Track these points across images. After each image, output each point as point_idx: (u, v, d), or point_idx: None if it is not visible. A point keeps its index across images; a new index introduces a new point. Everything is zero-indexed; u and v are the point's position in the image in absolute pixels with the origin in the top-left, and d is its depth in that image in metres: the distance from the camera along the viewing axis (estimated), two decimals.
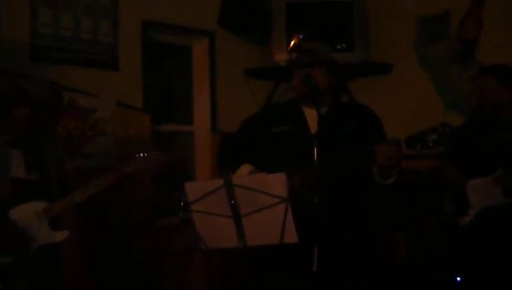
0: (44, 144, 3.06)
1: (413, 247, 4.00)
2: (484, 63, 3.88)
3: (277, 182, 2.27)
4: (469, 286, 3.27)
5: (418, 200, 4.09)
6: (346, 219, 2.67)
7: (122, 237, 3.97)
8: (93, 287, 3.79)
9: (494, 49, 4.05)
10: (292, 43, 4.60)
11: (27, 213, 2.78)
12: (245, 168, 2.66)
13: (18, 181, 2.84)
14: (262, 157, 2.68)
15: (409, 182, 3.61)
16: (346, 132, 2.68)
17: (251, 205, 2.30)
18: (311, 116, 2.68)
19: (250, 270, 2.59)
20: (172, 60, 4.78)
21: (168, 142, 4.64)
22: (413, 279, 3.78)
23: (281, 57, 4.56)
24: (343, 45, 4.65)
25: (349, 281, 2.62)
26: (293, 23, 4.62)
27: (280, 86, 4.73)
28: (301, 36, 4.63)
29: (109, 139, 4.03)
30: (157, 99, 4.54)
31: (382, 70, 4.77)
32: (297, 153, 2.61)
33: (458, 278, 3.34)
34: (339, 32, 4.64)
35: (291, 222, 2.29)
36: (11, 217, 2.78)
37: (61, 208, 2.84)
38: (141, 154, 2.96)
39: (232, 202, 2.29)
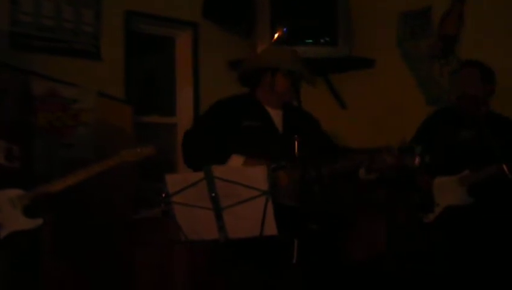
0: (29, 135, 3.05)
1: (392, 241, 4.04)
2: (464, 59, 3.92)
3: (258, 175, 2.29)
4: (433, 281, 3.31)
5: (397, 195, 4.14)
6: (330, 213, 2.71)
7: (103, 227, 3.95)
8: (72, 277, 3.77)
9: (475, 46, 4.09)
10: (276, 35, 4.61)
11: (1, 199, 2.78)
12: (236, 159, 2.67)
13: None
14: (233, 150, 2.71)
15: (390, 178, 3.66)
16: (304, 132, 2.78)
17: (232, 198, 2.32)
18: (274, 115, 2.90)
19: (231, 262, 2.60)
20: (156, 51, 4.75)
21: (150, 133, 4.61)
22: (391, 272, 3.81)
23: None
24: (327, 39, 4.66)
25: (328, 274, 2.64)
26: (277, 16, 4.62)
27: None
28: (285, 30, 4.63)
29: (91, 129, 4.00)
30: (140, 90, 4.52)
31: (365, 65, 4.79)
32: (267, 149, 2.69)
33: None
34: (322, 27, 4.65)
35: (271, 215, 2.31)
36: None
37: (36, 196, 2.83)
38: (130, 148, 2.97)
39: (213, 194, 2.31)
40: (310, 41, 4.66)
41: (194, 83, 4.65)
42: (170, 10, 4.48)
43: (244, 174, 2.31)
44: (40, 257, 3.00)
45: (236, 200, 2.31)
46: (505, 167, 2.93)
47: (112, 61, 4.17)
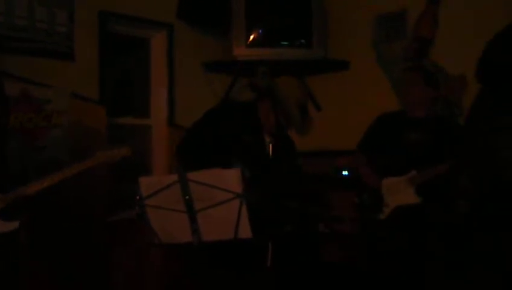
0: (3, 136, 3.00)
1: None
2: (439, 62, 3.96)
3: (232, 178, 2.28)
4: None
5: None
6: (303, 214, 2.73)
7: (79, 229, 3.91)
8: (50, 279, 3.73)
9: (449, 49, 4.13)
10: (251, 37, 4.61)
11: None
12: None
13: None
14: (230, 162, 2.70)
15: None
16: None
17: (206, 200, 2.31)
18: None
19: (204, 265, 2.59)
20: (130, 52, 4.71)
21: (125, 135, 4.58)
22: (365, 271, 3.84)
23: (240, 52, 4.57)
24: (302, 41, 4.69)
25: (302, 277, 2.65)
26: (253, 17, 4.62)
27: (238, 80, 4.73)
28: (260, 31, 4.64)
29: (64, 131, 3.95)
30: (114, 91, 4.47)
31: (340, 67, 4.82)
32: (258, 162, 2.71)
33: None
34: (297, 29, 4.67)
35: (246, 218, 2.30)
36: None
37: (12, 199, 2.79)
38: (105, 149, 2.95)
39: (186, 197, 2.30)
40: (285, 43, 4.68)
41: (168, 84, 4.63)
42: (145, 11, 4.45)
43: (218, 177, 2.30)
44: (18, 259, 2.96)
45: (210, 203, 2.30)
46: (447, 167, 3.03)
47: (86, 62, 4.12)
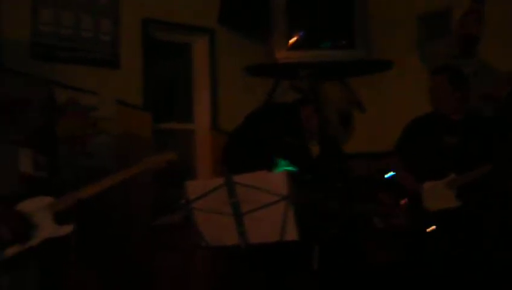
0: (54, 144, 3.09)
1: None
2: (487, 59, 3.88)
3: (278, 180, 2.28)
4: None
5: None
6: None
7: (123, 234, 3.97)
8: (95, 283, 3.80)
9: (495, 47, 4.04)
10: (292, 40, 4.61)
11: (33, 207, 2.82)
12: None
13: (25, 176, 2.87)
14: (271, 163, 2.71)
15: None
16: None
17: (252, 203, 2.31)
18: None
19: (251, 267, 2.59)
20: (173, 58, 4.77)
21: (169, 140, 4.63)
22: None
23: (281, 54, 4.56)
24: (343, 42, 4.65)
25: (349, 280, 2.62)
26: (294, 20, 4.62)
27: (280, 84, 4.72)
28: (301, 34, 4.63)
29: (110, 138, 4.03)
30: (157, 97, 4.54)
31: (383, 68, 4.76)
32: (300, 164, 2.70)
33: None
34: (339, 29, 4.64)
35: (292, 220, 2.30)
36: (18, 209, 2.81)
37: (66, 203, 2.86)
38: (151, 155, 3.01)
39: (233, 200, 2.30)
40: (327, 44, 4.65)
41: (211, 89, 4.66)
42: (187, 17, 4.50)
43: (264, 180, 2.30)
44: (66, 263, 3.04)
45: (256, 205, 2.31)
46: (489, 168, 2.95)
47: (130, 69, 4.20)
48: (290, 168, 2.50)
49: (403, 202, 2.97)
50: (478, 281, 3.04)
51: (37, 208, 2.85)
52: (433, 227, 3.03)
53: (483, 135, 3.23)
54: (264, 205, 2.28)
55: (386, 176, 3.83)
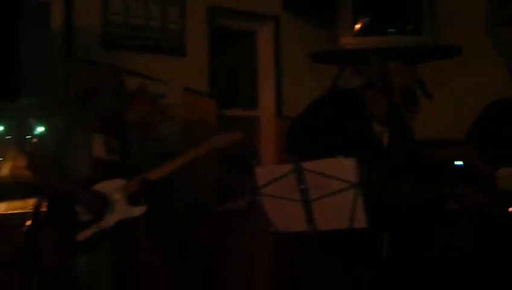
0: (125, 130, 3.20)
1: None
2: None
3: (347, 167, 2.27)
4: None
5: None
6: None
7: (189, 218, 4.07)
8: (162, 265, 3.91)
9: None
10: (358, 26, 4.55)
11: (107, 189, 2.94)
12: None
13: (99, 160, 2.98)
14: (334, 149, 2.69)
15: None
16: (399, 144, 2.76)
17: (321, 190, 2.32)
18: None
19: (319, 254, 2.60)
20: (238, 45, 4.81)
21: (233, 127, 4.67)
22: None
23: (346, 41, 4.52)
24: (410, 27, 4.56)
25: (419, 268, 2.60)
26: (360, 5, 4.56)
27: (345, 70, 4.68)
28: (367, 20, 4.56)
29: (177, 124, 4.12)
30: (223, 84, 4.60)
31: (451, 53, 4.63)
32: (365, 155, 2.67)
33: None
34: (406, 15, 4.54)
35: (361, 207, 2.29)
36: (93, 190, 2.93)
37: (138, 184, 2.96)
38: (217, 135, 3.07)
39: (302, 186, 2.32)
40: (393, 30, 4.57)
41: (275, 76, 4.68)
42: (251, 4, 4.53)
43: (333, 166, 2.30)
44: (137, 244, 3.14)
45: (325, 192, 2.31)
46: None
47: (196, 56, 4.27)
48: None
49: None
50: None
51: (111, 190, 2.97)
52: None
53: None
54: (333, 192, 2.29)
55: (456, 163, 3.75)
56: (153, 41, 4.09)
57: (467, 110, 4.49)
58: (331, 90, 4.45)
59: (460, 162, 3.97)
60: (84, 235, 2.87)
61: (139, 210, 3.00)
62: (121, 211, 2.96)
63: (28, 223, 2.52)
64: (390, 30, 4.57)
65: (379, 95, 2.77)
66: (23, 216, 3.26)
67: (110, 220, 2.93)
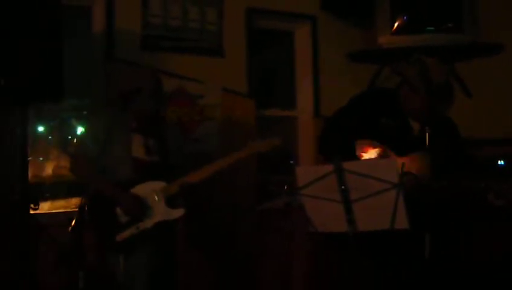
0: (163, 130, 3.24)
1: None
2: None
3: (388, 168, 2.26)
4: None
5: None
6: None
7: (228, 218, 4.09)
8: (201, 267, 3.94)
9: None
10: (396, 25, 4.50)
11: (146, 191, 2.97)
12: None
13: (138, 161, 3.02)
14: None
15: None
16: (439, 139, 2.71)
17: (361, 190, 2.30)
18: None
19: (359, 255, 2.59)
20: (275, 45, 4.82)
21: (271, 127, 4.69)
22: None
23: (384, 40, 4.48)
24: (450, 25, 4.48)
25: (461, 270, 2.56)
26: (397, 3, 4.51)
27: (384, 70, 4.64)
28: (405, 18, 4.51)
29: (215, 124, 4.15)
30: (261, 84, 4.61)
31: (492, 51, 4.54)
32: (400, 149, 2.64)
33: None
34: (446, 12, 4.47)
35: (403, 208, 2.27)
36: (133, 193, 2.97)
37: (178, 187, 2.99)
38: (257, 140, 3.09)
39: (342, 187, 2.31)
40: (431, 28, 4.50)
41: (313, 76, 4.68)
42: (289, 4, 4.53)
43: (374, 167, 2.29)
44: (176, 245, 3.17)
45: (366, 193, 2.30)
46: None
47: (234, 57, 4.30)
48: None
49: None
50: None
51: (150, 192, 3.00)
52: None
53: None
54: (374, 193, 2.27)
55: (499, 163, 3.68)
56: (192, 43, 4.13)
57: (507, 108, 4.43)
58: (366, 90, 4.42)
59: (502, 162, 3.90)
60: (123, 236, 2.90)
61: (177, 213, 3.02)
62: (160, 213, 2.98)
63: (73, 223, 2.57)
64: (428, 28, 4.51)
65: (414, 93, 2.74)
66: (66, 215, 3.36)
67: (149, 222, 2.95)
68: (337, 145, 2.77)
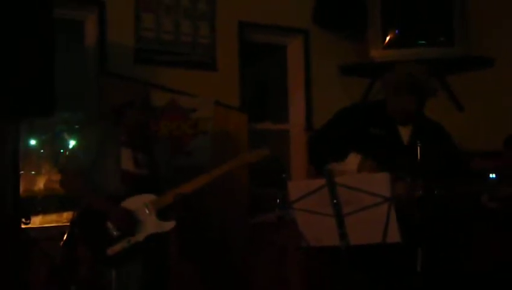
0: (152, 144, 3.24)
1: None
2: None
3: (380, 182, 2.26)
4: None
5: None
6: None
7: (219, 232, 4.08)
8: (193, 278, 3.92)
9: None
10: (388, 38, 4.53)
11: (137, 204, 2.97)
12: (354, 158, 2.65)
13: (127, 173, 3.02)
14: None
15: None
16: (430, 147, 2.72)
17: (353, 204, 2.30)
18: (402, 127, 2.83)
19: (350, 268, 2.58)
20: (268, 59, 4.84)
21: (263, 140, 4.69)
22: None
23: (376, 53, 4.50)
24: (441, 39, 4.52)
25: (454, 283, 2.56)
26: (389, 17, 4.54)
27: (376, 83, 4.66)
28: (397, 32, 4.55)
29: (208, 138, 4.15)
30: (253, 98, 4.62)
31: (483, 65, 4.58)
32: (389, 159, 2.65)
33: None
34: (437, 26, 4.51)
35: (395, 222, 2.27)
36: (123, 206, 2.96)
37: (168, 200, 2.99)
38: (247, 151, 3.10)
39: (335, 201, 2.31)
40: (423, 42, 4.54)
41: (305, 89, 4.69)
42: (281, 19, 4.56)
43: (366, 181, 2.29)
44: (167, 258, 3.16)
45: (358, 206, 2.30)
46: None
47: (227, 70, 4.31)
48: None
49: None
50: None
51: (141, 205, 2.99)
52: None
53: None
54: (366, 207, 2.28)
55: (490, 176, 3.68)
56: (184, 56, 4.14)
57: (498, 121, 4.45)
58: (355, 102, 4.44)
59: (494, 175, 3.90)
60: (114, 250, 2.89)
61: (169, 225, 3.02)
62: (151, 226, 2.98)
63: (64, 237, 2.55)
64: (420, 42, 4.54)
65: (394, 94, 2.75)
66: (57, 230, 3.34)
67: (141, 235, 2.95)
68: (325, 155, 2.78)
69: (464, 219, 2.67)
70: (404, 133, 2.82)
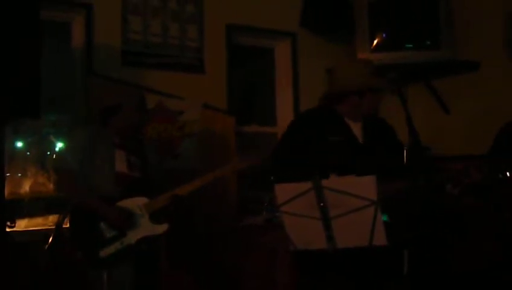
0: (144, 146, 3.24)
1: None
2: None
3: (367, 185, 2.27)
4: None
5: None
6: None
7: (208, 235, 4.07)
8: (183, 282, 3.91)
9: None
10: (375, 42, 4.56)
11: (131, 206, 2.95)
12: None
13: (121, 175, 3.01)
14: (320, 165, 2.70)
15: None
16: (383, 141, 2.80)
17: (340, 207, 2.31)
18: (354, 127, 2.89)
19: (337, 271, 2.59)
20: (256, 62, 4.85)
21: (250, 143, 4.70)
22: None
23: (364, 56, 4.52)
24: (428, 43, 4.55)
25: (440, 285, 2.58)
26: (376, 21, 4.57)
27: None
28: (384, 35, 4.57)
29: (196, 140, 4.15)
30: (241, 101, 4.62)
31: (469, 68, 4.62)
32: (351, 161, 2.67)
33: None
34: (423, 30, 4.54)
35: (381, 225, 2.28)
36: (117, 207, 2.96)
37: (161, 203, 2.99)
38: (240, 157, 3.11)
39: (321, 204, 2.31)
40: (410, 46, 4.57)
41: (293, 92, 4.70)
42: (269, 22, 4.56)
43: (353, 184, 2.30)
44: (158, 261, 3.15)
45: (345, 209, 2.30)
46: None
47: (215, 73, 4.31)
48: None
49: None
50: None
51: (134, 207, 2.99)
52: None
53: None
54: (353, 210, 2.28)
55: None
56: (172, 59, 4.14)
57: (484, 125, 4.48)
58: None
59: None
60: (107, 251, 2.88)
61: (161, 228, 3.02)
62: (145, 228, 2.98)
63: (49, 240, 2.54)
64: (407, 45, 4.57)
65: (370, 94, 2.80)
66: (43, 233, 3.31)
67: (134, 237, 2.95)
68: (287, 166, 2.79)
69: (448, 217, 2.69)
70: (356, 131, 2.87)
